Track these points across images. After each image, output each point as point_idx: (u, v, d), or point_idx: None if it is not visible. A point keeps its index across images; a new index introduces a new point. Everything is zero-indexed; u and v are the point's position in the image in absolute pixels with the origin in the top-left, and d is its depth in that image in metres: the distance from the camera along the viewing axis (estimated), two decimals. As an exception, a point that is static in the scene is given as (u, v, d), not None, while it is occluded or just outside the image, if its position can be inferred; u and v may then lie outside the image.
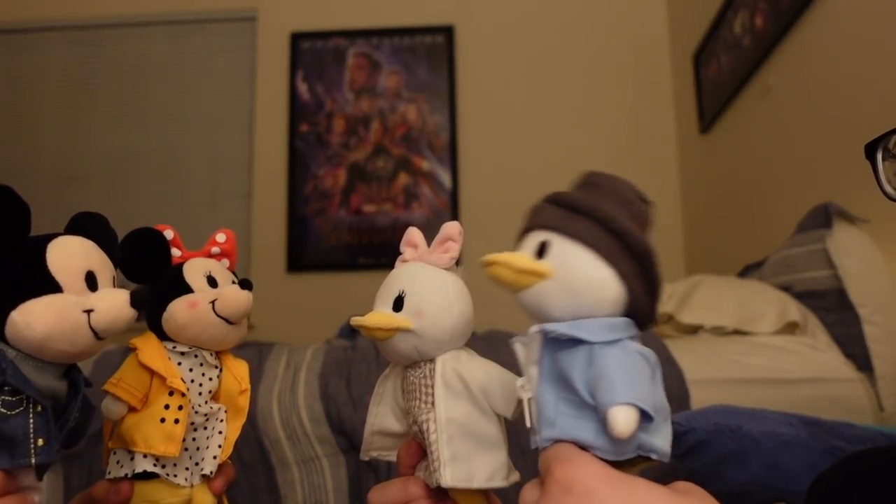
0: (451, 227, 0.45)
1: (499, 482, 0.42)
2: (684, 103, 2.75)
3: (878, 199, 0.54)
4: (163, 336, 0.52)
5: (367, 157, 2.96)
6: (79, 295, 0.41)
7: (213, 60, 3.09)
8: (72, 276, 0.41)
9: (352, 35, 3.03)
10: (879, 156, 0.53)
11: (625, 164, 2.74)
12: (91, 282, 0.42)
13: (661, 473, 0.33)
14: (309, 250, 2.89)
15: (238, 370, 0.54)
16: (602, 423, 0.32)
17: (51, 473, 1.14)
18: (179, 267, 0.52)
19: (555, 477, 0.31)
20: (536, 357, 0.36)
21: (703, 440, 0.83)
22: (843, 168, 1.52)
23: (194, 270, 0.52)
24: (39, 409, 0.40)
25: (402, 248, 0.47)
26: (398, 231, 2.83)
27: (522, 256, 0.36)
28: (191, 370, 0.51)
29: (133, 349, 0.50)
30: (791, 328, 1.32)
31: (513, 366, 0.44)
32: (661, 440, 0.33)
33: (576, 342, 0.34)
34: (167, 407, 0.49)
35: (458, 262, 0.46)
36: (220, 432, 0.52)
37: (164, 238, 0.53)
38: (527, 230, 0.38)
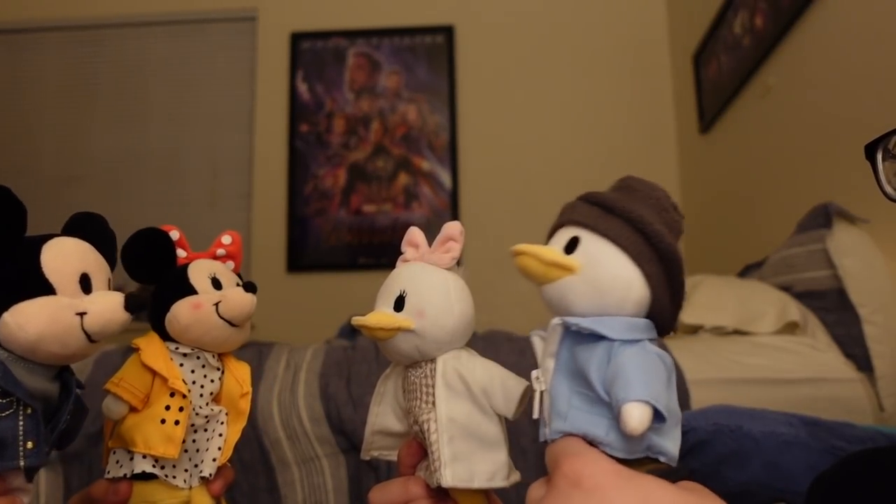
0: (452, 227, 0.45)
1: (499, 482, 0.42)
2: (684, 103, 2.75)
3: (878, 199, 0.54)
4: (166, 337, 0.52)
5: (367, 157, 2.96)
6: (72, 297, 0.41)
7: (213, 60, 3.09)
8: (66, 278, 0.41)
9: (352, 35, 3.03)
10: (879, 156, 0.53)
11: (625, 164, 2.74)
12: (85, 284, 0.42)
13: (662, 473, 0.33)
14: (309, 250, 2.89)
15: (240, 373, 0.54)
16: (615, 419, 0.32)
17: (51, 473, 1.14)
18: (184, 268, 0.52)
19: (563, 471, 0.31)
20: (554, 350, 0.36)
21: (703, 440, 0.83)
22: (843, 168, 1.52)
23: (199, 272, 0.52)
24: (30, 411, 0.39)
25: (404, 247, 0.47)
26: (398, 231, 2.84)
27: (552, 249, 0.36)
28: (192, 371, 0.51)
29: (136, 349, 0.50)
30: (791, 328, 1.32)
31: (513, 366, 0.44)
32: (671, 444, 0.33)
33: (596, 338, 0.34)
34: (168, 408, 0.49)
35: (458, 262, 0.46)
36: (221, 435, 0.52)
37: (169, 238, 0.53)
38: (558, 226, 0.39)
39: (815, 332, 1.32)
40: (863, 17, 1.47)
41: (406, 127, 2.97)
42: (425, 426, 0.42)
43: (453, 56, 2.98)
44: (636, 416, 0.30)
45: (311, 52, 3.03)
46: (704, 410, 0.89)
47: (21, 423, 0.39)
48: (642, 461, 0.34)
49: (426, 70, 2.99)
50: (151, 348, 0.50)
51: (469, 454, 0.41)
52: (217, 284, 0.52)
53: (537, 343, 0.38)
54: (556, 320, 0.36)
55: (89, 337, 0.41)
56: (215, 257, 0.56)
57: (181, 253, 0.54)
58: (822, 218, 1.39)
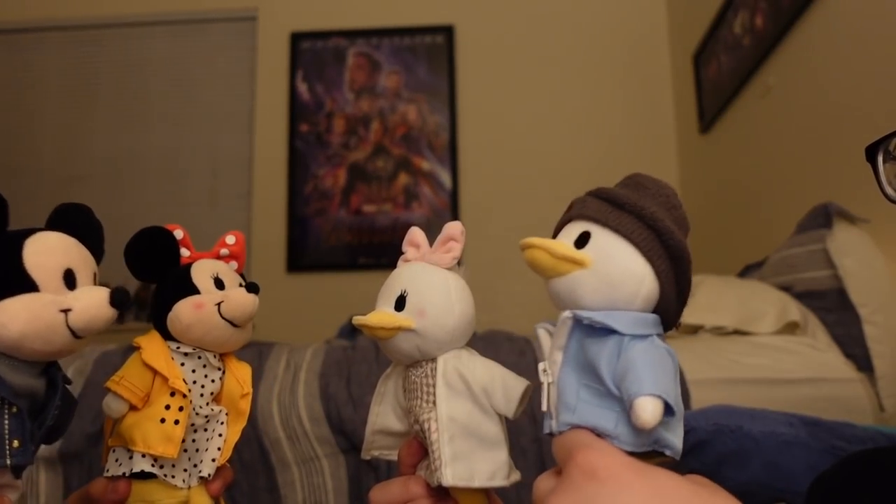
0: (453, 227, 0.45)
1: (500, 481, 0.42)
2: (684, 103, 2.75)
3: (878, 199, 0.54)
4: (167, 336, 0.51)
5: (367, 157, 2.96)
6: (56, 293, 0.40)
7: (214, 60, 3.09)
8: (49, 274, 0.40)
9: (352, 35, 3.03)
10: (880, 158, 0.53)
11: (625, 164, 2.74)
12: (69, 280, 0.41)
13: (668, 467, 0.33)
14: (309, 250, 2.89)
15: (241, 373, 0.54)
16: (623, 413, 0.32)
17: (50, 473, 1.14)
18: (187, 267, 0.52)
19: (577, 462, 0.31)
20: (563, 343, 0.36)
21: (703, 440, 0.83)
22: (843, 168, 1.52)
23: (202, 271, 0.52)
24: (14, 410, 0.39)
25: (405, 247, 0.47)
26: (398, 231, 2.84)
27: (563, 243, 0.37)
28: (193, 371, 0.51)
29: (137, 348, 0.50)
30: (791, 328, 1.32)
31: (512, 366, 0.44)
32: (676, 438, 0.34)
33: (606, 332, 0.34)
34: (168, 407, 0.49)
35: (459, 262, 0.46)
36: (220, 435, 0.52)
37: (172, 237, 0.53)
38: (567, 221, 0.39)
39: (816, 332, 1.32)
40: (863, 17, 1.47)
41: (406, 127, 2.97)
42: (426, 425, 0.42)
43: (453, 56, 2.98)
44: (649, 410, 0.31)
45: (311, 52, 3.03)
46: (704, 410, 0.89)
47: (6, 422, 0.38)
48: (649, 454, 0.34)
49: (426, 70, 2.99)
50: (152, 347, 0.50)
51: (469, 453, 0.41)
52: (220, 284, 0.52)
53: (543, 335, 0.38)
54: (566, 313, 0.36)
55: (74, 333, 0.40)
56: (218, 257, 0.56)
57: (184, 252, 0.54)
58: (822, 218, 1.39)
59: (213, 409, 0.52)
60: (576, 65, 2.94)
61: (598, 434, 0.34)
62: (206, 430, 0.52)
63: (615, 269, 0.35)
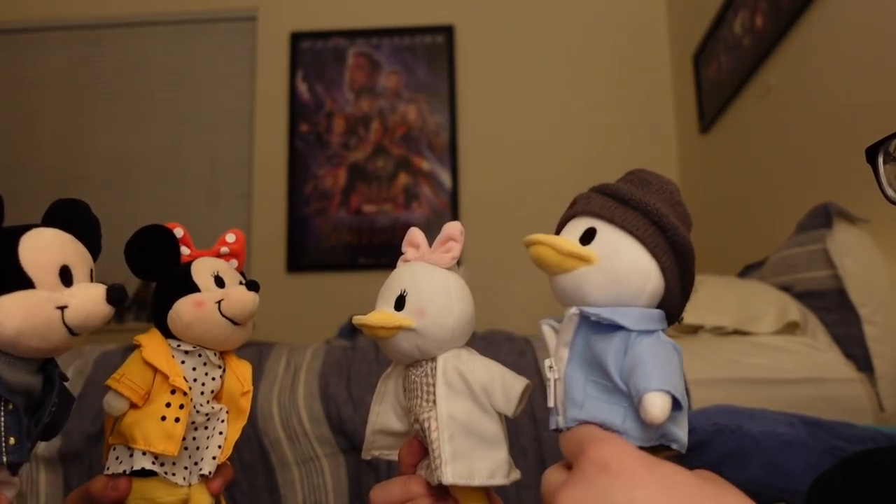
0: (452, 227, 0.46)
1: (500, 480, 0.42)
2: (684, 103, 2.75)
3: (878, 199, 0.54)
4: (168, 334, 0.52)
5: (367, 157, 2.96)
6: (52, 290, 0.40)
7: (214, 60, 3.09)
8: (45, 271, 0.40)
9: (352, 35, 3.03)
10: (880, 159, 0.53)
11: (625, 165, 2.73)
12: (65, 276, 0.41)
13: (676, 461, 0.34)
14: (309, 250, 2.89)
15: (241, 371, 0.54)
16: (631, 408, 0.33)
17: (51, 473, 1.14)
18: (188, 265, 0.52)
19: (589, 455, 0.31)
20: (569, 339, 0.36)
21: (703, 440, 0.83)
22: (843, 168, 1.52)
23: (202, 270, 0.52)
24: (11, 407, 0.39)
25: (404, 248, 0.47)
26: (398, 231, 2.84)
27: (568, 240, 0.37)
28: (194, 369, 0.51)
29: (137, 346, 0.50)
30: (791, 328, 1.32)
31: (512, 366, 0.44)
32: (682, 431, 0.34)
33: (612, 328, 0.34)
34: (168, 405, 0.49)
35: (458, 262, 0.46)
36: (221, 433, 0.52)
37: (173, 236, 0.53)
38: (570, 217, 0.39)
39: (816, 332, 1.32)
40: (863, 17, 1.47)
41: (406, 127, 2.97)
42: (426, 424, 0.42)
43: (453, 56, 2.98)
44: (658, 405, 0.31)
45: (311, 52, 3.03)
46: (704, 410, 0.89)
47: (2, 419, 0.38)
48: (655, 448, 0.34)
49: (426, 70, 3.00)
50: (153, 345, 0.50)
51: (469, 452, 0.41)
52: (220, 282, 0.52)
53: (548, 332, 0.38)
54: (573, 310, 0.36)
55: (71, 330, 0.40)
56: (219, 255, 0.56)
57: (185, 250, 0.54)
58: (822, 218, 1.39)
59: (213, 407, 0.52)
60: (576, 65, 2.94)
61: (606, 429, 0.34)
62: (206, 427, 0.52)
63: (621, 265, 0.35)
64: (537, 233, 0.37)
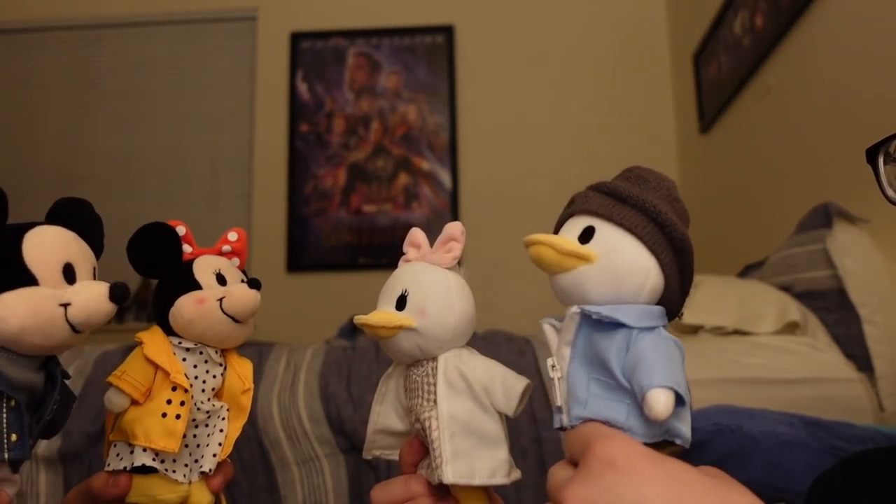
0: (453, 228, 0.46)
1: (500, 479, 0.42)
2: (684, 103, 2.75)
3: (878, 199, 0.54)
4: (169, 331, 0.52)
5: (367, 157, 2.96)
6: (55, 288, 0.40)
7: (214, 60, 3.10)
8: (48, 269, 0.40)
9: (352, 35, 3.03)
10: (881, 160, 0.53)
11: (625, 164, 2.73)
12: (69, 274, 0.41)
13: (679, 457, 0.34)
14: (309, 250, 2.89)
15: (242, 369, 0.54)
16: (634, 405, 0.33)
17: (51, 473, 1.14)
18: (189, 263, 0.53)
19: (596, 452, 0.32)
20: (570, 338, 0.36)
21: (704, 440, 0.83)
22: (843, 168, 1.52)
23: (204, 267, 0.52)
24: (13, 403, 0.39)
25: (405, 248, 0.48)
26: (398, 231, 2.84)
27: (568, 239, 0.37)
28: (195, 367, 0.51)
29: (139, 342, 0.50)
30: (791, 328, 1.32)
31: (512, 365, 0.44)
32: (686, 427, 0.35)
33: (614, 326, 0.35)
34: (169, 402, 0.49)
35: (459, 262, 0.46)
36: (221, 430, 0.52)
37: (175, 233, 0.53)
38: (568, 216, 0.39)
39: (816, 332, 1.32)
40: (863, 17, 1.47)
41: (406, 127, 2.97)
42: (426, 423, 0.42)
43: (453, 56, 2.98)
44: (662, 402, 0.31)
45: (311, 52, 3.03)
46: (704, 410, 0.89)
47: (4, 415, 0.38)
48: (659, 444, 0.34)
49: (426, 70, 3.00)
50: (154, 342, 0.50)
51: (470, 451, 0.41)
52: (221, 280, 0.53)
53: (549, 331, 0.38)
54: (574, 308, 0.36)
55: (74, 328, 0.40)
56: (221, 253, 0.56)
57: (187, 248, 0.54)
58: (823, 218, 1.39)
59: (214, 405, 0.52)
60: (576, 65, 2.94)
61: (611, 426, 0.34)
62: (207, 425, 0.52)
63: (621, 262, 0.35)
64: (537, 233, 0.37)
